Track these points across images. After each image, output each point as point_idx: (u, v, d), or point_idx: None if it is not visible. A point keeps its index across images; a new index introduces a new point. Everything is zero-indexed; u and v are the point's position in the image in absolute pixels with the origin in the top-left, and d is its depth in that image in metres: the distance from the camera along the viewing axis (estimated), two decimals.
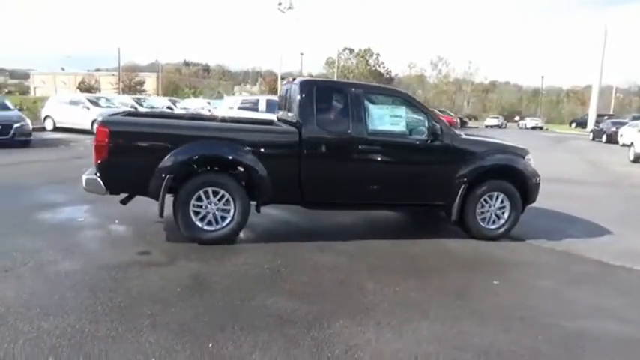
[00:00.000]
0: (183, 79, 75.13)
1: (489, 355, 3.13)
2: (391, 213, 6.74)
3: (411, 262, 4.89)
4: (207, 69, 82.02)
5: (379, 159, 5.41)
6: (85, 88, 59.50)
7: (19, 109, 15.45)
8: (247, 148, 5.01)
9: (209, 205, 4.99)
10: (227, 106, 13.69)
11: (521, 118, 60.32)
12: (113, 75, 66.41)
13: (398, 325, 3.48)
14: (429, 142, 5.48)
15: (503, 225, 5.82)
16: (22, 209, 6.06)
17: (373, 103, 5.50)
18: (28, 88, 77.33)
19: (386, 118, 5.48)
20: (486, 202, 5.74)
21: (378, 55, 75.37)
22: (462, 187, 5.56)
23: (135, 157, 4.86)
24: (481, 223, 5.76)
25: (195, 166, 4.94)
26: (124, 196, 5.25)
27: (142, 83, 66.65)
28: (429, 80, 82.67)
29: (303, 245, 5.20)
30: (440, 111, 38.17)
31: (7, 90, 79.94)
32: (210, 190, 4.97)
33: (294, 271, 4.44)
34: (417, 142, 5.50)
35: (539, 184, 6.01)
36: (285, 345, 3.10)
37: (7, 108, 13.54)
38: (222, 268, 4.40)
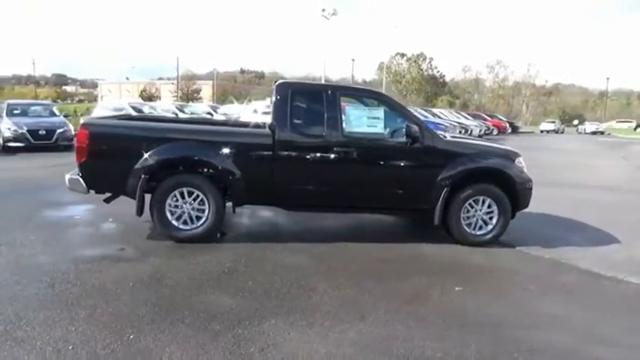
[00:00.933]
0: (237, 86, 77.39)
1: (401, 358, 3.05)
2: (385, 216, 6.65)
3: (378, 266, 4.81)
4: (261, 76, 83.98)
5: (355, 162, 5.36)
6: (147, 96, 62.55)
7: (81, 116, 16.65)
8: (220, 149, 5.13)
9: (184, 205, 5.16)
10: (251, 111, 14.01)
11: (581, 122, 57.26)
12: (172, 83, 69.74)
13: (329, 326, 3.45)
14: (407, 144, 5.37)
15: (490, 231, 5.59)
16: (33, 206, 6.51)
17: (350, 105, 5.48)
18: (96, 96, 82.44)
19: (363, 120, 5.44)
20: (472, 206, 5.54)
21: (431, 59, 74.16)
22: (444, 190, 5.41)
23: (113, 157, 5.11)
24: (466, 229, 5.57)
25: (168, 167, 5.11)
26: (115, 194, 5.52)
27: (198, 91, 69.40)
28: (485, 84, 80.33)
29: (276, 246, 5.25)
30: (489, 115, 36.99)
31: (77, 98, 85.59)
32: (185, 190, 5.14)
33: (253, 270, 4.50)
34: (395, 145, 5.42)
35: (530, 188, 5.73)
36: (204, 341, 3.17)
37: (53, 114, 14.57)
38: (184, 265, 4.54)
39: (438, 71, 74.36)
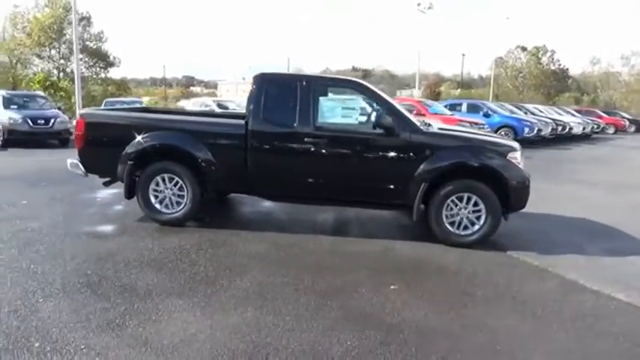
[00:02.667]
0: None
1: (258, 346, 3.01)
2: (385, 212, 6.43)
3: (329, 259, 4.70)
4: (367, 74, 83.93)
5: (326, 153, 5.27)
6: None
7: None
8: (197, 139, 5.39)
9: (166, 190, 5.52)
10: None
11: None
12: None
13: (209, 313, 3.47)
14: (382, 136, 5.15)
15: (477, 231, 5.16)
16: (74, 189, 7.33)
17: (325, 95, 5.40)
18: (216, 96, 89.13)
19: (337, 111, 5.34)
20: (455, 204, 5.15)
21: (552, 52, 68.05)
22: (422, 186, 5.10)
23: (105, 144, 5.62)
24: (450, 228, 5.19)
25: (150, 154, 5.47)
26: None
27: None
28: (618, 78, 71.66)
29: (247, 234, 5.35)
30: (608, 112, 33.04)
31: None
32: (166, 176, 5.49)
33: (202, 254, 4.68)
34: (370, 136, 5.22)
35: (526, 186, 5.17)
36: (96, 309, 3.43)
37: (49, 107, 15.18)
38: (145, 245, 4.87)
39: (560, 65, 67.98)
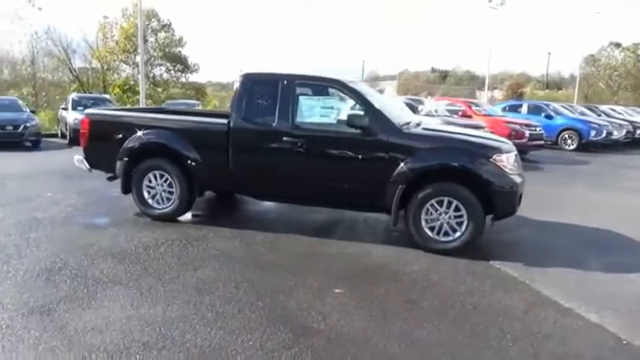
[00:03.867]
0: (420, 85, 76.80)
1: (160, 339, 3.06)
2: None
3: (289, 260, 4.62)
4: (445, 75, 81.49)
5: (305, 153, 5.20)
6: None
7: None
8: (184, 137, 5.57)
9: (157, 187, 5.76)
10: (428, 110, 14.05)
11: None
12: None
13: (138, 304, 3.57)
14: (359, 136, 5.01)
15: (457, 238, 4.86)
16: (101, 184, 7.82)
17: (306, 94, 5.35)
18: None
19: (316, 110, 5.26)
20: (435, 208, 4.89)
21: None
22: (398, 188, 4.90)
23: (105, 142, 5.96)
24: (429, 233, 4.93)
25: (142, 151, 5.72)
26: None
27: (381, 91, 71.40)
28: None
29: (225, 232, 5.39)
30: None
31: None
32: (157, 173, 5.73)
33: (169, 248, 4.81)
34: (347, 136, 5.09)
35: (514, 192, 4.79)
36: (23, 290, 3.71)
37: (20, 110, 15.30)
38: (123, 237, 5.13)
39: None
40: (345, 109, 5.18)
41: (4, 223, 5.51)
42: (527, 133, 12.55)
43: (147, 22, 42.43)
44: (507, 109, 17.04)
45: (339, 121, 5.16)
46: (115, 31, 42.35)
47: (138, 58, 44.89)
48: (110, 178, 6.37)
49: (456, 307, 3.75)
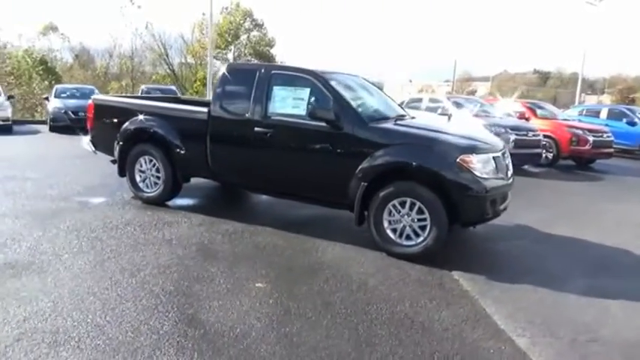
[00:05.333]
0: (515, 86, 72.66)
1: (29, 317, 3.16)
2: None
3: (238, 251, 4.57)
4: (547, 77, 75.90)
5: (273, 143, 5.12)
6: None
7: None
8: (168, 123, 5.72)
9: (147, 171, 5.99)
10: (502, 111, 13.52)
11: None
12: (448, 85, 70.84)
13: (52, 280, 3.70)
14: (326, 128, 4.82)
15: (420, 243, 4.50)
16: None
17: (280, 85, 5.23)
18: None
19: (288, 101, 5.13)
20: (397, 209, 4.57)
21: None
22: (361, 186, 4.65)
23: (105, 126, 6.31)
24: (391, 235, 4.63)
25: (134, 136, 5.96)
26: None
27: (473, 92, 68.57)
28: None
29: (197, 218, 5.52)
30: None
31: None
32: (147, 157, 5.95)
33: (130, 230, 4.97)
34: (314, 129, 4.90)
35: (481, 196, 4.34)
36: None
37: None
38: (102, 215, 5.43)
39: None
40: (314, 100, 5.00)
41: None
42: (590, 139, 11.31)
43: (241, 22, 44.44)
44: (584, 112, 15.48)
45: (308, 113, 5.00)
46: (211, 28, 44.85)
47: (229, 55, 47.32)
48: (113, 161, 6.72)
49: (370, 314, 3.46)
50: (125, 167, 6.09)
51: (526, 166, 11.45)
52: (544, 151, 11.68)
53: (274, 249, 4.69)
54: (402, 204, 4.54)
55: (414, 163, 4.43)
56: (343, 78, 5.44)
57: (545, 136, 11.35)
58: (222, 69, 5.69)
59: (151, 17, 52.22)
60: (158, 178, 5.91)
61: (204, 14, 45.39)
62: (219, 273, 4.01)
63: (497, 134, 9.86)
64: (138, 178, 6.06)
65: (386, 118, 5.13)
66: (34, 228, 4.89)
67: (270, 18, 74.38)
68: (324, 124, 4.82)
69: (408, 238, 4.57)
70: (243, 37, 45.45)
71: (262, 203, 6.59)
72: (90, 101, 6.61)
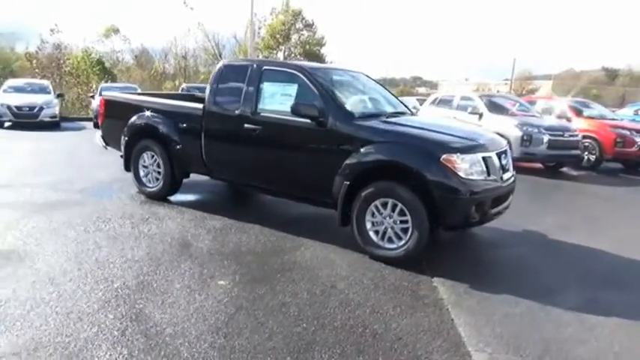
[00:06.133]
0: (581, 85, 68.91)
1: None
2: None
3: (212, 248, 4.54)
4: (614, 74, 71.10)
5: (262, 140, 5.04)
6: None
7: None
8: (168, 119, 5.79)
9: (149, 166, 6.10)
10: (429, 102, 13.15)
11: None
12: (506, 84, 68.14)
13: (13, 260, 3.91)
14: (311, 125, 4.69)
15: (402, 246, 4.28)
16: None
17: (270, 81, 5.14)
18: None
19: (277, 97, 5.03)
20: (379, 210, 4.38)
21: None
22: (343, 184, 4.49)
23: (113, 122, 6.47)
24: (373, 237, 4.43)
25: (138, 132, 6.07)
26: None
27: (533, 91, 65.66)
28: None
29: (191, 214, 5.55)
30: None
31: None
32: (150, 153, 6.06)
33: (112, 223, 5.06)
34: (300, 125, 4.77)
35: (465, 199, 4.06)
36: None
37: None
38: (99, 208, 5.57)
39: None
40: (301, 96, 4.88)
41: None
42: (638, 140, 10.43)
43: (292, 22, 44.94)
44: None
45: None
46: (262, 29, 45.63)
47: (279, 55, 47.94)
48: (122, 156, 6.90)
49: (323, 319, 3.30)
50: (130, 162, 6.21)
51: (565, 169, 10.76)
52: (586, 153, 10.93)
53: (254, 247, 4.61)
54: (384, 205, 4.33)
55: (393, 162, 4.21)
56: (335, 74, 5.29)
57: (586, 137, 10.60)
58: (219, 64, 5.67)
59: (204, 18, 53.74)
60: (159, 173, 6.00)
61: (255, 14, 46.21)
62: (187, 269, 3.99)
63: (529, 134, 9.36)
64: (141, 173, 6.18)
65: (377, 116, 4.92)
66: (30, 218, 5.08)
67: (321, 18, 74.61)
68: (308, 120, 4.68)
69: (390, 240, 4.36)
70: (294, 37, 45.80)
71: (264, 201, 6.53)
72: (101, 98, 6.81)
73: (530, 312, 3.57)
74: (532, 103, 12.58)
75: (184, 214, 5.54)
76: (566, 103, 12.16)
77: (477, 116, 10.63)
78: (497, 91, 41.60)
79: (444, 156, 4.09)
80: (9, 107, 13.79)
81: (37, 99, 14.40)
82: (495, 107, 11.04)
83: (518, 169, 10.14)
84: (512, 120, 10.02)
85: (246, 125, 5.10)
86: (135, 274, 3.84)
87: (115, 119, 6.47)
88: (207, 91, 5.51)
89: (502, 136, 9.72)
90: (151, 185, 6.12)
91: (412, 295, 3.77)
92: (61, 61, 25.67)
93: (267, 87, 5.12)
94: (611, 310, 3.65)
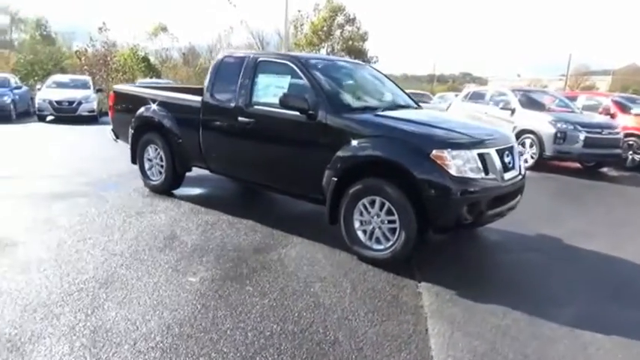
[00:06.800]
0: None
1: None
2: None
3: (198, 242, 4.44)
4: None
5: (254, 133, 4.87)
6: None
7: None
8: (170, 112, 5.74)
9: (153, 159, 6.09)
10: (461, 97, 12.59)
11: None
12: (560, 79, 65.03)
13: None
14: (301, 118, 4.48)
15: (389, 248, 4.02)
16: None
17: (265, 72, 4.97)
18: None
19: (270, 89, 4.86)
20: (367, 209, 4.13)
21: None
22: (331, 181, 4.27)
23: (123, 114, 6.49)
24: (361, 237, 4.19)
25: (144, 125, 6.05)
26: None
27: (590, 88, 62.43)
28: None
29: (187, 207, 5.49)
30: None
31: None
32: (153, 146, 6.05)
33: (108, 217, 5.05)
34: (292, 118, 4.56)
35: (454, 198, 3.74)
36: None
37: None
38: (101, 202, 5.59)
39: None
40: (292, 88, 4.68)
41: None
42: None
43: (333, 17, 44.71)
44: None
45: None
46: (306, 26, 45.66)
47: (322, 51, 47.71)
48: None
49: (285, 322, 3.11)
50: (137, 155, 6.22)
51: (605, 169, 10.01)
52: (630, 152, 10.12)
53: (240, 243, 4.47)
54: (372, 203, 4.07)
55: (380, 157, 3.94)
56: (333, 65, 5.06)
57: (629, 135, 9.80)
58: (219, 55, 5.55)
59: (248, 15, 54.40)
60: (162, 166, 5.97)
61: (299, 11, 46.30)
62: (163, 264, 3.89)
63: (564, 131, 8.76)
64: (146, 166, 6.17)
65: (373, 109, 4.65)
66: (30, 208, 5.17)
67: (365, 13, 73.79)
68: (298, 113, 4.48)
69: (378, 241, 4.10)
70: (337, 33, 45.45)
71: (269, 197, 6.37)
72: (111, 92, 6.87)
73: (517, 325, 3.23)
74: (573, 98, 11.79)
75: (181, 208, 5.48)
76: (610, 99, 11.30)
77: (509, 112, 10.07)
78: (545, 87, 39.68)
79: (433, 151, 3.78)
80: (50, 102, 14.39)
81: (77, 94, 14.95)
82: (530, 103, 10.41)
83: (553, 169, 9.64)
84: (547, 116, 9.40)
85: (240, 118, 4.96)
86: (109, 267, 3.78)
87: (123, 112, 6.49)
88: (206, 82, 5.41)
89: (534, 133, 9.30)
90: (154, 178, 6.11)
91: (391, 300, 3.51)
92: (108, 58, 26.56)
93: (262, 79, 4.96)
94: (613, 327, 3.24)
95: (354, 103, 4.68)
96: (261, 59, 5.06)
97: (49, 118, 14.65)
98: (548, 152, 9.08)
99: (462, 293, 3.65)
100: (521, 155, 9.61)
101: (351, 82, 5.10)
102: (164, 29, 42.09)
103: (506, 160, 4.20)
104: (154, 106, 5.93)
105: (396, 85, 5.76)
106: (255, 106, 4.90)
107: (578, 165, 10.07)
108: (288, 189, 4.87)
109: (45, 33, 43.51)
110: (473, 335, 3.06)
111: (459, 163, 3.78)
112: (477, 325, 3.20)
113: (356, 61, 5.46)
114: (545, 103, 10.75)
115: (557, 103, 10.95)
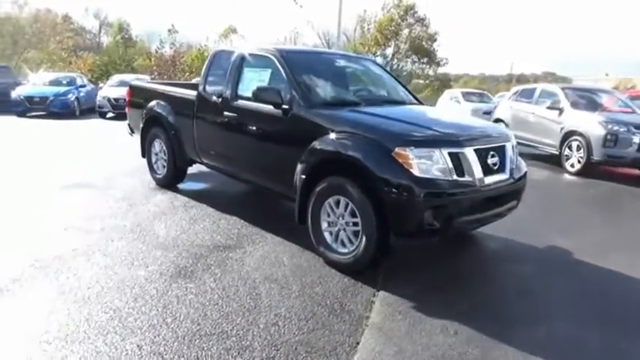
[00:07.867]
0: None
1: None
2: None
3: (184, 240, 4.39)
4: None
5: (238, 128, 4.76)
6: None
7: None
8: (172, 106, 5.78)
9: (159, 153, 6.19)
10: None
11: None
12: None
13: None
14: (277, 113, 4.31)
15: (351, 252, 3.76)
16: None
17: (250, 67, 4.84)
18: None
19: (253, 83, 4.70)
20: (333, 210, 3.88)
21: None
22: (300, 178, 4.07)
23: (136, 109, 6.63)
24: (327, 239, 3.95)
25: (151, 120, 6.15)
26: None
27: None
28: None
29: (184, 202, 5.51)
30: None
31: None
32: (158, 140, 6.14)
33: (101, 206, 5.20)
34: (267, 112, 4.39)
35: (416, 201, 3.39)
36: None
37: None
38: (103, 194, 5.77)
39: None
40: (271, 82, 4.53)
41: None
42: None
43: (402, 17, 43.98)
44: None
45: None
46: (372, 25, 45.25)
47: (388, 51, 47.12)
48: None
49: (204, 324, 2.96)
50: (145, 149, 6.35)
51: None
52: None
53: (210, 239, 4.38)
54: (337, 203, 3.82)
55: (341, 155, 3.67)
56: (322, 59, 4.86)
57: None
58: (213, 50, 5.52)
59: (314, 15, 54.74)
60: (165, 160, 6.04)
61: (365, 11, 45.95)
62: (120, 255, 3.89)
63: (614, 134, 7.90)
64: (153, 160, 6.28)
65: (355, 104, 4.38)
66: (40, 197, 5.43)
67: (438, 13, 71.69)
68: (272, 107, 4.31)
69: (343, 244, 3.83)
70: (404, 33, 44.53)
71: (269, 196, 6.25)
72: (128, 87, 7.07)
73: (462, 346, 2.85)
74: (635, 98, 10.60)
75: (174, 201, 5.50)
76: None
77: (557, 112, 9.24)
78: (632, 87, 36.30)
79: (396, 149, 3.45)
80: (108, 99, 15.25)
81: None
82: (584, 103, 9.48)
83: (605, 175, 8.64)
84: (597, 117, 8.49)
85: (225, 112, 4.88)
86: (66, 251, 3.83)
87: (137, 107, 6.65)
88: (201, 77, 5.39)
89: (582, 135, 8.43)
90: (159, 172, 6.20)
91: (335, 308, 3.24)
92: (176, 59, 27.82)
93: (247, 73, 4.85)
94: (579, 356, 2.77)
95: (331, 97, 4.43)
96: (247, 53, 4.95)
97: (109, 114, 15.51)
98: (596, 156, 8.21)
99: (420, 306, 3.30)
100: (568, 159, 8.79)
101: (336, 76, 4.84)
102: (234, 31, 43.47)
103: (491, 161, 3.76)
104: (159, 101, 6.01)
105: (398, 81, 5.42)
106: (239, 100, 4.80)
107: (638, 172, 9.02)
108: (271, 187, 4.70)
109: (127, 36, 46.52)
110: (405, 353, 2.74)
111: (424, 163, 3.43)
112: (417, 342, 2.86)
113: (356, 54, 5.16)
114: (602, 103, 9.75)
115: (618, 104, 9.89)
